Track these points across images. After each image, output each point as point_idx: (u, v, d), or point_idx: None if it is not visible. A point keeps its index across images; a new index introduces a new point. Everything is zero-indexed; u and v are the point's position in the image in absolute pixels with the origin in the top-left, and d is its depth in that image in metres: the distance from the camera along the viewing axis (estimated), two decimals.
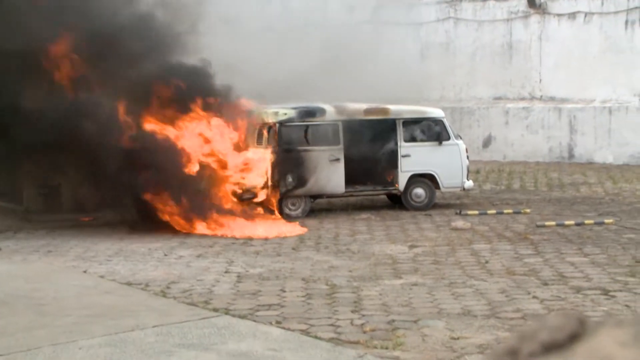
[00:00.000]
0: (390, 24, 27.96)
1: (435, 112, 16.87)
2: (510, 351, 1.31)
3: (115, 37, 14.37)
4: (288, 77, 17.81)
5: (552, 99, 25.60)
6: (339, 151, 15.93)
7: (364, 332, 8.31)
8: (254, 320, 8.79)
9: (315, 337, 8.19)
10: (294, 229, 14.47)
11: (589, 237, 13.41)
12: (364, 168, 16.35)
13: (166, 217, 14.30)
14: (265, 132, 15.70)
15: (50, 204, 15.64)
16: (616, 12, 24.58)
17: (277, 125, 15.67)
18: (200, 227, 14.26)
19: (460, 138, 17.30)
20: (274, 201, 15.67)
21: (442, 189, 16.72)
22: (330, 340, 8.08)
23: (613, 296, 9.64)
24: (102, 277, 11.10)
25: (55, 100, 14.14)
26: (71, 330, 8.44)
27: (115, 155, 13.96)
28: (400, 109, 16.62)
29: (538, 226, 14.45)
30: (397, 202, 16.83)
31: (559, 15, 25.41)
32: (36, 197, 16.13)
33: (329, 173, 15.90)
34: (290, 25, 28.57)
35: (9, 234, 14.55)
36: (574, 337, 1.28)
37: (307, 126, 16.00)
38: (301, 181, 15.83)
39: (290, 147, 15.71)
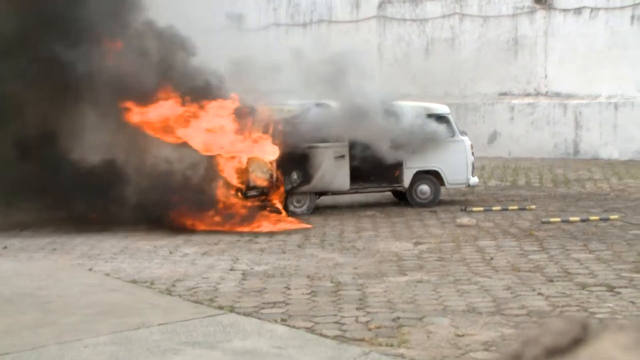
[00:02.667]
0: (395, 19, 27.96)
1: (440, 109, 16.84)
2: (513, 356, 1.30)
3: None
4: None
5: (557, 94, 25.55)
6: (344, 148, 15.91)
7: (369, 330, 8.30)
8: (259, 318, 8.79)
9: (320, 334, 8.19)
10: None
11: (594, 234, 13.38)
12: (369, 165, 16.33)
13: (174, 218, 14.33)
14: (270, 129, 15.67)
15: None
16: (622, 7, 24.51)
17: (282, 121, 15.65)
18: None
19: (466, 134, 17.26)
20: (279, 198, 15.66)
21: (447, 186, 16.70)
22: (335, 337, 8.08)
23: (618, 292, 9.63)
24: (107, 275, 11.11)
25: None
26: (77, 329, 8.45)
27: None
28: (405, 105, 16.59)
29: (543, 222, 14.43)
30: (402, 198, 16.82)
31: (565, 10, 25.35)
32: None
33: (334, 170, 15.89)
34: (295, 21, 28.60)
35: (15, 231, 14.57)
36: (577, 342, 1.27)
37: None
38: (306, 178, 15.82)
39: (295, 143, 15.67)
